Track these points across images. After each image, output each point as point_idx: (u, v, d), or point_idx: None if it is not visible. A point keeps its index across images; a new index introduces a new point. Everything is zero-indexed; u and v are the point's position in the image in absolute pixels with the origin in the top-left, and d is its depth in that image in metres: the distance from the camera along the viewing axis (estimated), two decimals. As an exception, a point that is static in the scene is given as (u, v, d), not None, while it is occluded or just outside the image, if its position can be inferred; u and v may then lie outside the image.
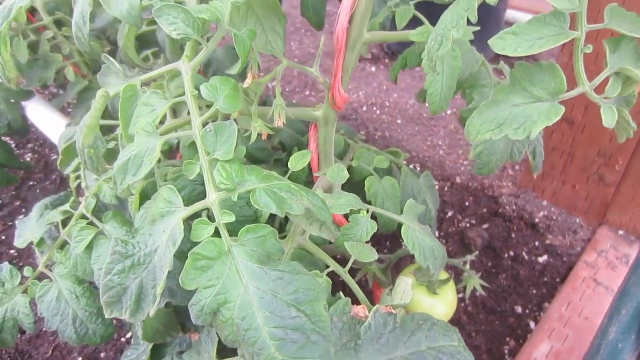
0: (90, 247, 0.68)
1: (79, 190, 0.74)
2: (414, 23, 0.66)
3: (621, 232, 1.07)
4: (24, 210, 1.27)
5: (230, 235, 0.42)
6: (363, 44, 0.65)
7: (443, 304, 0.67)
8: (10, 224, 1.24)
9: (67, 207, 0.74)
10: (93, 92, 1.08)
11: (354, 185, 0.82)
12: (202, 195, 0.57)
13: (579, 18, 0.39)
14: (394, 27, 0.71)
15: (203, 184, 0.54)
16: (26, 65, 1.02)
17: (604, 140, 1.00)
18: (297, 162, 0.61)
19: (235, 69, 0.51)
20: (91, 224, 0.71)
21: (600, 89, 0.41)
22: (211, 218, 0.44)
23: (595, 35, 0.45)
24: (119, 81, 0.53)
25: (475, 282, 0.72)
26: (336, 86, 0.65)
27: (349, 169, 0.84)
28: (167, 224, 0.44)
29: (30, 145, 1.47)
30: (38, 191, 1.31)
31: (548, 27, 0.39)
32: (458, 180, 1.26)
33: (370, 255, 0.54)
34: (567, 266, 1.04)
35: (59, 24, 1.04)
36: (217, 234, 0.43)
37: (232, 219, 0.43)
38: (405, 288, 0.55)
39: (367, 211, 0.59)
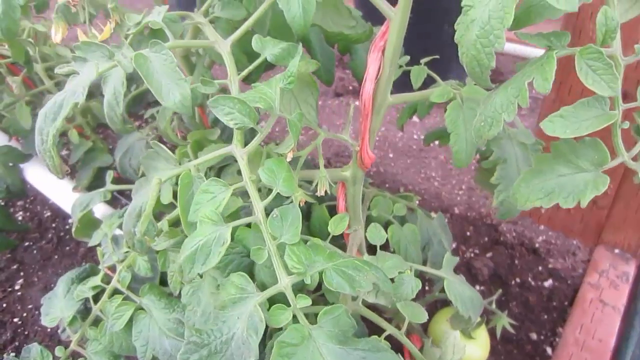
0: (129, 323, 0.68)
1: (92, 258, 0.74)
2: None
3: (617, 251, 1.13)
4: (22, 274, 1.24)
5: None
6: (387, 106, 0.68)
7: (479, 347, 0.70)
8: (10, 289, 1.20)
9: (97, 281, 0.73)
10: (97, 153, 1.08)
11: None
12: (249, 267, 0.59)
13: (615, 100, 0.43)
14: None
15: (247, 255, 0.56)
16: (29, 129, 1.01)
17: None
18: (336, 225, 0.63)
19: (285, 147, 0.53)
20: (126, 298, 0.70)
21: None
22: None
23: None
24: (169, 166, 0.54)
25: (504, 321, 0.75)
26: (364, 148, 0.68)
27: (368, 217, 0.87)
28: (240, 310, 0.46)
29: (20, 203, 1.43)
30: (35, 252, 1.27)
31: (591, 109, 0.43)
32: (456, 210, 1.31)
33: (421, 315, 0.56)
34: (572, 288, 1.09)
35: (60, 86, 1.04)
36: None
37: (307, 302, 0.45)
38: (455, 342, 0.57)
39: (411, 269, 0.61)
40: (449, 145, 0.66)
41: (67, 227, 1.32)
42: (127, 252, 0.71)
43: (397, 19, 0.62)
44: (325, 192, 0.63)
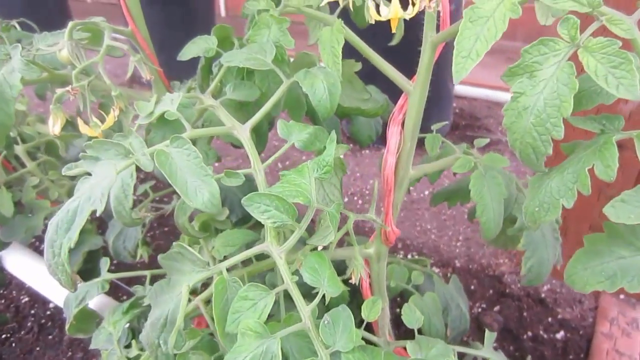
0: None
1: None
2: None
3: (622, 296, 1.13)
4: (-2, 370, 1.12)
5: None
6: (409, 180, 0.66)
7: None
8: (-15, 392, 1.08)
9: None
10: (85, 235, 1.00)
11: (390, 301, 0.81)
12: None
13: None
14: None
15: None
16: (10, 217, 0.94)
17: (593, 215, 1.07)
18: (370, 311, 0.59)
19: (322, 239, 0.50)
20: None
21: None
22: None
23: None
24: (196, 268, 0.49)
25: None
26: (389, 224, 0.66)
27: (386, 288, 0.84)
28: None
29: (-9, 289, 1.32)
30: (14, 345, 1.16)
31: (652, 191, 0.42)
32: (457, 264, 1.29)
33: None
34: (585, 339, 1.07)
35: (43, 167, 0.98)
36: None
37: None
38: None
39: (454, 354, 0.58)
40: (477, 217, 0.65)
41: (48, 312, 1.22)
42: (139, 355, 0.65)
43: (417, 93, 0.61)
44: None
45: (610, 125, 0.43)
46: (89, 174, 0.50)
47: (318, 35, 0.80)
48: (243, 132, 0.56)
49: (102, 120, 0.63)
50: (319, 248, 0.52)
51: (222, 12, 3.76)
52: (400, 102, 0.65)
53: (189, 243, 0.67)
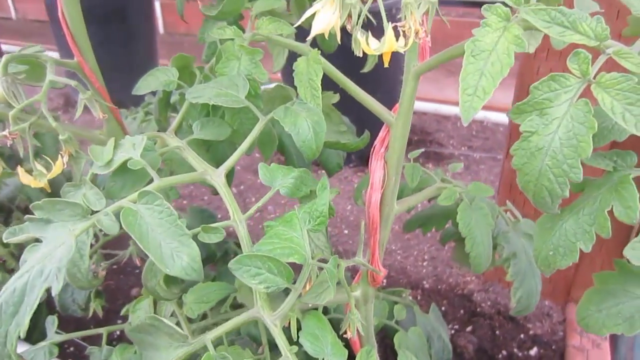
0: None
1: None
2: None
3: (587, 307, 1.15)
4: None
5: None
6: (394, 216, 0.62)
7: None
8: None
9: None
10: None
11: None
12: None
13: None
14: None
15: None
16: None
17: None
18: (365, 363, 0.54)
19: (317, 296, 0.44)
20: None
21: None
22: None
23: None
24: (174, 343, 0.42)
25: None
26: (376, 264, 0.61)
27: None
28: None
29: None
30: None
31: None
32: (426, 285, 1.27)
33: None
34: (558, 354, 1.08)
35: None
36: None
37: None
38: None
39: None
40: (467, 251, 0.62)
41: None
42: None
43: (399, 124, 0.57)
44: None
45: (622, 162, 0.41)
46: (39, 240, 0.42)
47: (282, 62, 0.76)
48: (217, 178, 0.50)
49: (48, 168, 0.55)
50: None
51: (161, 29, 3.63)
52: (381, 134, 0.61)
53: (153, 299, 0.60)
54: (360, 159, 1.80)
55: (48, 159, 0.55)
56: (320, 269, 0.45)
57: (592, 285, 1.10)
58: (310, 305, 0.47)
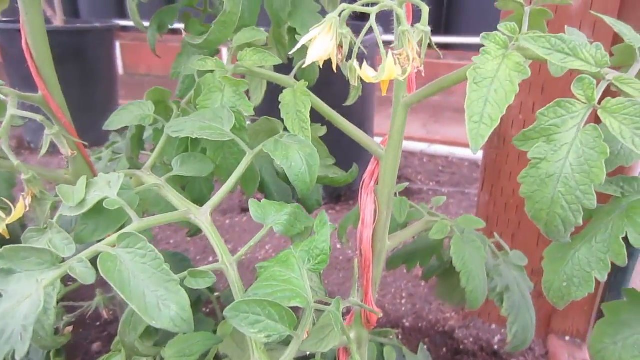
0: None
1: None
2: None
3: (567, 338, 1.14)
4: None
5: None
6: (386, 252, 0.60)
7: None
8: None
9: None
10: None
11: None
12: None
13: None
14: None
15: None
16: None
17: (535, 260, 1.09)
18: (365, 415, 0.50)
19: (325, 344, 0.40)
20: None
21: None
22: None
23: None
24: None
25: None
26: (369, 304, 0.58)
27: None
28: None
29: None
30: None
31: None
32: (406, 323, 1.23)
33: None
34: (544, 389, 1.05)
35: None
36: None
37: None
38: None
39: None
40: (462, 285, 0.59)
41: None
42: None
43: (390, 157, 0.56)
44: None
45: (629, 187, 0.40)
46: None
47: (261, 96, 0.73)
48: (202, 217, 0.46)
49: (6, 212, 0.49)
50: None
51: (120, 70, 3.57)
52: (370, 167, 0.59)
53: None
54: (330, 195, 1.78)
55: (7, 201, 0.50)
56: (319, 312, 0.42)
57: (570, 315, 1.10)
58: (307, 353, 0.43)
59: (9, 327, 0.33)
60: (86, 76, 2.09)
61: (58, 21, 2.15)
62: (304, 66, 0.40)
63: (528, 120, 0.96)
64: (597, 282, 0.96)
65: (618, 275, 0.95)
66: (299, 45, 0.39)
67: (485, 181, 1.06)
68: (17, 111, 0.51)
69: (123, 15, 4.21)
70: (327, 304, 0.41)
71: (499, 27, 0.42)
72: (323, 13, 0.73)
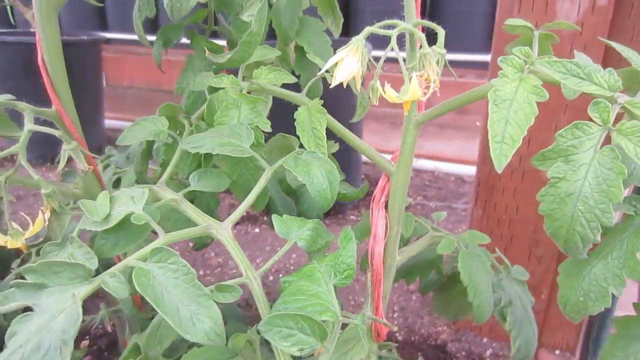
0: None
1: None
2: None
3: (557, 352, 1.17)
4: None
5: None
6: (396, 266, 0.61)
7: None
8: None
9: None
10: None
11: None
12: None
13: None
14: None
15: None
16: None
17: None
18: None
19: (351, 356, 0.41)
20: None
21: None
22: None
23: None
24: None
25: None
26: (380, 317, 0.59)
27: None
28: None
29: None
30: None
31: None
32: (399, 337, 1.24)
33: None
34: (536, 402, 1.07)
35: None
36: None
37: None
38: None
39: None
40: (469, 300, 0.61)
41: None
42: None
43: (400, 174, 0.57)
44: None
45: (640, 205, 0.43)
46: (29, 309, 0.36)
47: (265, 114, 0.74)
48: (224, 232, 0.47)
49: (24, 226, 0.49)
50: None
51: (103, 82, 3.53)
52: (381, 183, 0.60)
53: None
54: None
55: (25, 215, 0.49)
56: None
57: (560, 329, 1.12)
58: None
59: (44, 342, 0.33)
60: (72, 89, 2.07)
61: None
62: (330, 87, 0.42)
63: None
64: None
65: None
66: (327, 66, 0.40)
67: (478, 196, 1.09)
68: (35, 126, 0.51)
69: (105, 27, 4.18)
70: (346, 317, 0.41)
71: (513, 50, 0.44)
72: (327, 32, 0.75)
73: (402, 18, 0.50)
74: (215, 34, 0.80)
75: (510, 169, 1.04)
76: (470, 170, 2.19)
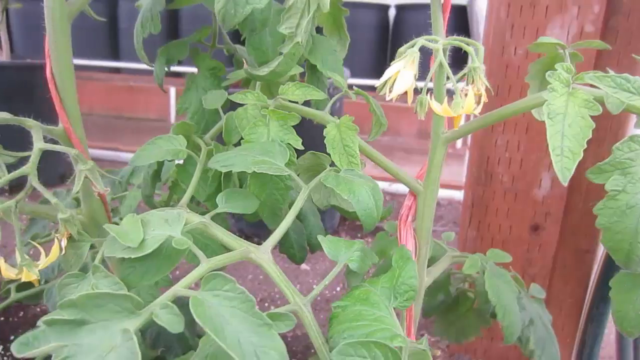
0: None
1: None
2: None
3: (551, 370, 1.17)
4: None
5: None
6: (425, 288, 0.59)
7: None
8: None
9: None
10: None
11: None
12: None
13: None
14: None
15: None
16: None
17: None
18: None
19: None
20: None
21: None
22: None
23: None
24: None
25: None
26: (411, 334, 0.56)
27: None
28: None
29: None
30: None
31: None
32: None
33: None
34: None
35: None
36: None
37: None
38: None
39: None
40: (498, 320, 0.60)
41: None
42: None
43: (428, 193, 0.56)
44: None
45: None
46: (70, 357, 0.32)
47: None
48: (264, 255, 0.43)
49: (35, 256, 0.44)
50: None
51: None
52: (407, 202, 0.59)
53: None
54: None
55: (37, 245, 0.44)
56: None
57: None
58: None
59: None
60: (36, 113, 1.97)
61: (4, 56, 2.02)
62: (389, 98, 0.40)
63: (514, 158, 1.01)
64: (578, 315, 0.99)
65: (600, 306, 0.99)
66: (384, 78, 0.39)
67: (472, 217, 1.10)
68: (45, 144, 0.47)
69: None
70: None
71: (556, 66, 0.44)
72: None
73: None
74: (218, 53, 0.77)
75: (503, 189, 1.05)
76: (443, 194, 2.22)
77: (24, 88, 1.94)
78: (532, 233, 1.07)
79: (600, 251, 1.04)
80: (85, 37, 3.78)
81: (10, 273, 0.41)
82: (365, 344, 0.33)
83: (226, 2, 0.35)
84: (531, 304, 0.67)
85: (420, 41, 0.41)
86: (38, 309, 1.16)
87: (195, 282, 0.38)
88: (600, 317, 1.03)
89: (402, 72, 0.39)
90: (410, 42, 0.43)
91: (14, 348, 0.32)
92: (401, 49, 0.42)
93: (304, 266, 1.64)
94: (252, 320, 0.34)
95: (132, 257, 0.39)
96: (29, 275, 0.41)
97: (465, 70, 0.43)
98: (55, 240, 0.43)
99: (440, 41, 0.44)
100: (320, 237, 0.44)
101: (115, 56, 3.91)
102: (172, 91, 2.98)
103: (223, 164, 0.47)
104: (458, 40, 0.44)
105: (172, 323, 0.32)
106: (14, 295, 0.76)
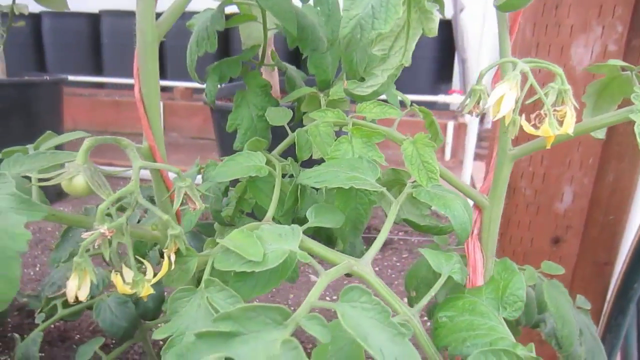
0: None
1: None
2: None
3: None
4: None
5: None
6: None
7: None
8: None
9: None
10: None
11: None
12: None
13: None
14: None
15: None
16: None
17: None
18: None
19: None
20: None
21: None
22: None
23: None
24: None
25: None
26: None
27: None
28: None
29: None
30: None
31: None
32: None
33: None
34: None
35: None
36: None
37: None
38: None
39: None
40: (556, 330, 0.62)
41: None
42: None
43: (494, 207, 0.59)
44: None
45: None
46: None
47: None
48: (366, 268, 0.45)
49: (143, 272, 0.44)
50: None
51: (63, 123, 3.35)
52: (473, 216, 0.61)
53: None
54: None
55: (143, 260, 0.45)
56: None
57: None
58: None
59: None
60: (31, 130, 1.94)
61: (0, 73, 1.99)
62: (494, 119, 0.43)
63: (537, 172, 1.06)
64: (596, 326, 1.01)
65: (618, 317, 1.04)
66: (491, 102, 0.42)
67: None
68: (146, 162, 0.48)
69: (43, 68, 3.98)
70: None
71: (635, 89, 0.48)
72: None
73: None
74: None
75: (526, 202, 1.09)
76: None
77: (20, 105, 1.92)
78: (553, 245, 1.11)
79: (619, 264, 1.08)
80: (65, 52, 3.76)
81: (126, 288, 0.41)
82: (496, 352, 0.35)
83: (353, 28, 0.37)
84: (579, 315, 0.70)
85: (520, 65, 0.44)
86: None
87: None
88: (618, 328, 1.07)
89: (507, 95, 0.42)
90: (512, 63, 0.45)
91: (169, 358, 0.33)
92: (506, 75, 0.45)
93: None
94: (389, 330, 0.36)
95: (257, 270, 0.40)
96: (149, 289, 0.41)
97: (546, 90, 0.47)
98: (165, 255, 0.44)
99: (536, 64, 0.47)
100: (422, 250, 0.45)
101: (99, 71, 3.89)
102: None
103: (316, 179, 0.49)
104: (539, 63, 0.47)
105: (323, 333, 0.34)
106: (61, 312, 0.75)
